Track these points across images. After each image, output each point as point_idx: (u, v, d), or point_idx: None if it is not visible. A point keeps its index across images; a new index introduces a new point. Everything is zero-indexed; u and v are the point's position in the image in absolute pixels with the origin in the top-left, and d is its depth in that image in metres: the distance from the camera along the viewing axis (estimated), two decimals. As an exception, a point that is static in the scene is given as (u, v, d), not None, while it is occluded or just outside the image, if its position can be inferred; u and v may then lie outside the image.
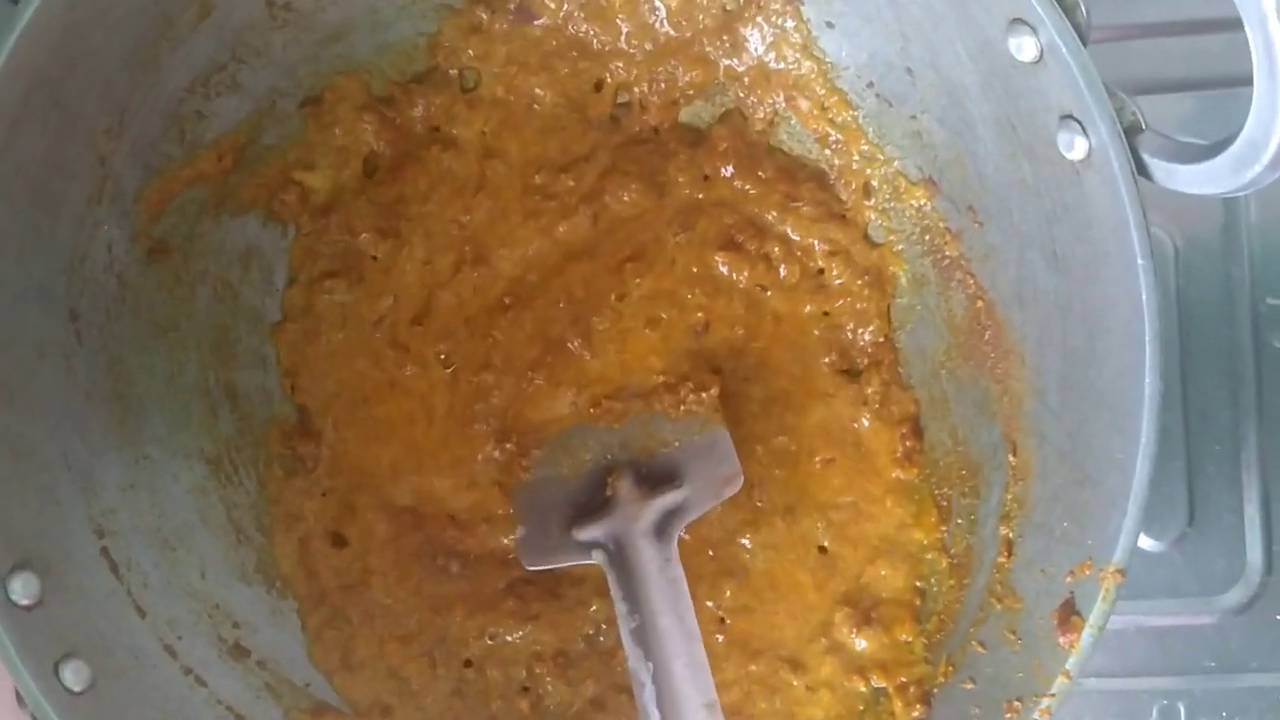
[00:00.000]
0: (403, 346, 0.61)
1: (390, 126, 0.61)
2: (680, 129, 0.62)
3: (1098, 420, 0.48)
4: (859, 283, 0.60)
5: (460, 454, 0.60)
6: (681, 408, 0.59)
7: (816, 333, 0.61)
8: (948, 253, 0.58)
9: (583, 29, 0.61)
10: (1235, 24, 0.39)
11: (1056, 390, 0.51)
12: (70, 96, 0.50)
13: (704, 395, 0.58)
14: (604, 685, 0.58)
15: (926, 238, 0.59)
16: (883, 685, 0.56)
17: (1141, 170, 0.45)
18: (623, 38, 0.61)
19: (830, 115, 0.60)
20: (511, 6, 0.61)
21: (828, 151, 0.61)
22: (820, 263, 0.61)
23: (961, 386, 0.58)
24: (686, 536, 0.57)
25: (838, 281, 0.60)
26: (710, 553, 0.59)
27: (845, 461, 0.59)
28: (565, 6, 0.60)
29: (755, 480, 0.58)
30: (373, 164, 0.62)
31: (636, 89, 0.62)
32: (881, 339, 0.60)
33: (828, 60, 0.59)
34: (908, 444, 0.59)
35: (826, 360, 0.60)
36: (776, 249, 0.60)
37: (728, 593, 0.58)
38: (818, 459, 0.59)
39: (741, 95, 0.61)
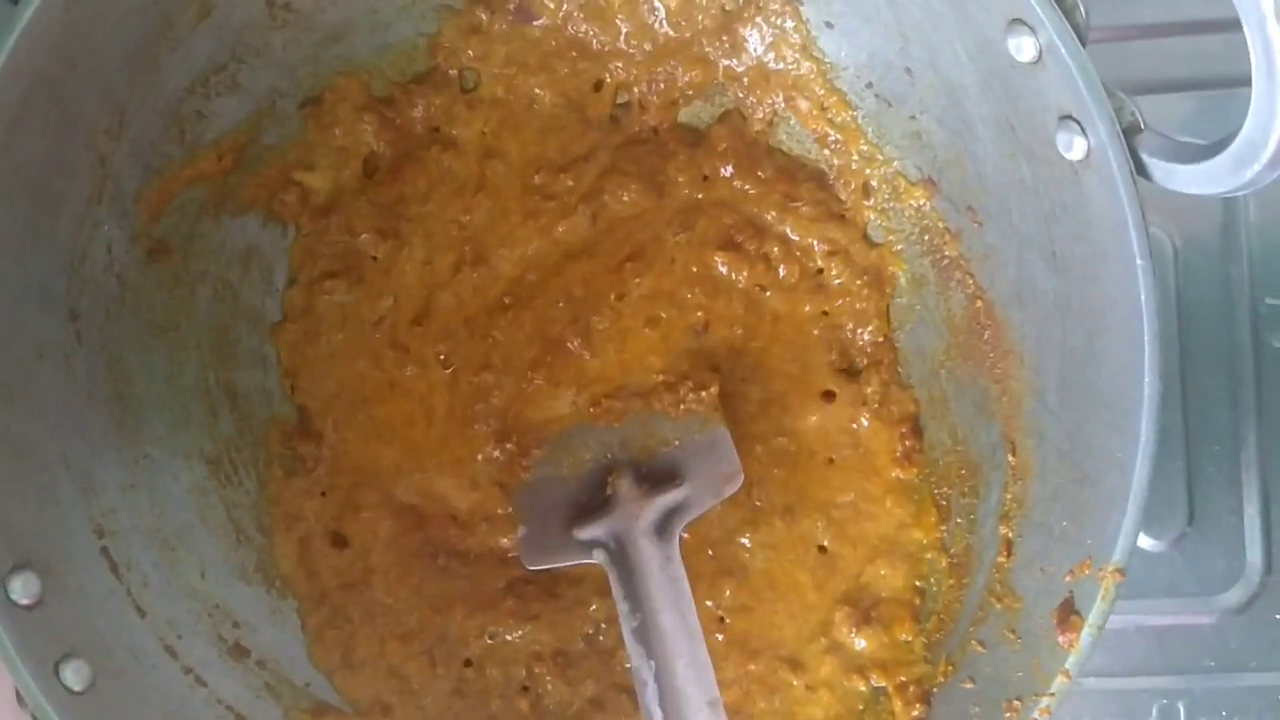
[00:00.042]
0: (403, 347, 0.61)
1: (390, 127, 0.61)
2: (679, 129, 0.62)
3: (1097, 420, 0.48)
4: (858, 282, 0.60)
5: (460, 454, 0.61)
6: (681, 406, 0.59)
7: (816, 332, 0.61)
8: (947, 252, 0.58)
9: (582, 29, 0.61)
10: (1234, 24, 0.39)
11: (1055, 390, 0.51)
12: (70, 96, 0.50)
13: (703, 394, 0.58)
14: (603, 685, 0.58)
15: (925, 238, 0.59)
16: (882, 685, 0.56)
17: (1140, 170, 0.45)
18: (622, 38, 0.61)
19: (829, 115, 0.60)
20: (511, 7, 0.61)
21: (827, 151, 0.61)
22: (819, 262, 0.61)
23: (961, 386, 0.58)
24: (686, 536, 0.57)
25: (837, 281, 0.61)
26: (709, 552, 0.59)
27: (845, 461, 0.59)
28: (565, 7, 0.60)
29: (754, 480, 0.58)
30: (373, 164, 0.62)
31: (636, 89, 0.62)
32: (881, 339, 0.60)
33: (827, 60, 0.59)
34: (907, 443, 0.59)
35: (826, 360, 0.60)
36: (776, 249, 0.60)
37: (727, 592, 0.58)
38: (817, 459, 0.59)
39: (741, 95, 0.61)
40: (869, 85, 0.58)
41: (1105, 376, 0.48)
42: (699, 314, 0.60)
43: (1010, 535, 0.54)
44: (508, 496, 0.60)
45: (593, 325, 0.60)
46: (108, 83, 0.51)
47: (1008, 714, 0.50)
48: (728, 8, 0.59)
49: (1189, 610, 0.64)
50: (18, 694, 0.48)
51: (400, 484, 0.61)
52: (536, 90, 0.62)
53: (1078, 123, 0.45)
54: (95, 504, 0.53)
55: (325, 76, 0.60)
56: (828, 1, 0.57)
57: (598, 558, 0.56)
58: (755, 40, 0.60)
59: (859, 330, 0.60)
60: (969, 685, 0.53)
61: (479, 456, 0.60)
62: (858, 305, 0.60)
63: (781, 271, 0.60)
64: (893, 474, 0.59)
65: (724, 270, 0.60)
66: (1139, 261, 0.44)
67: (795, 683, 0.57)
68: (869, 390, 0.60)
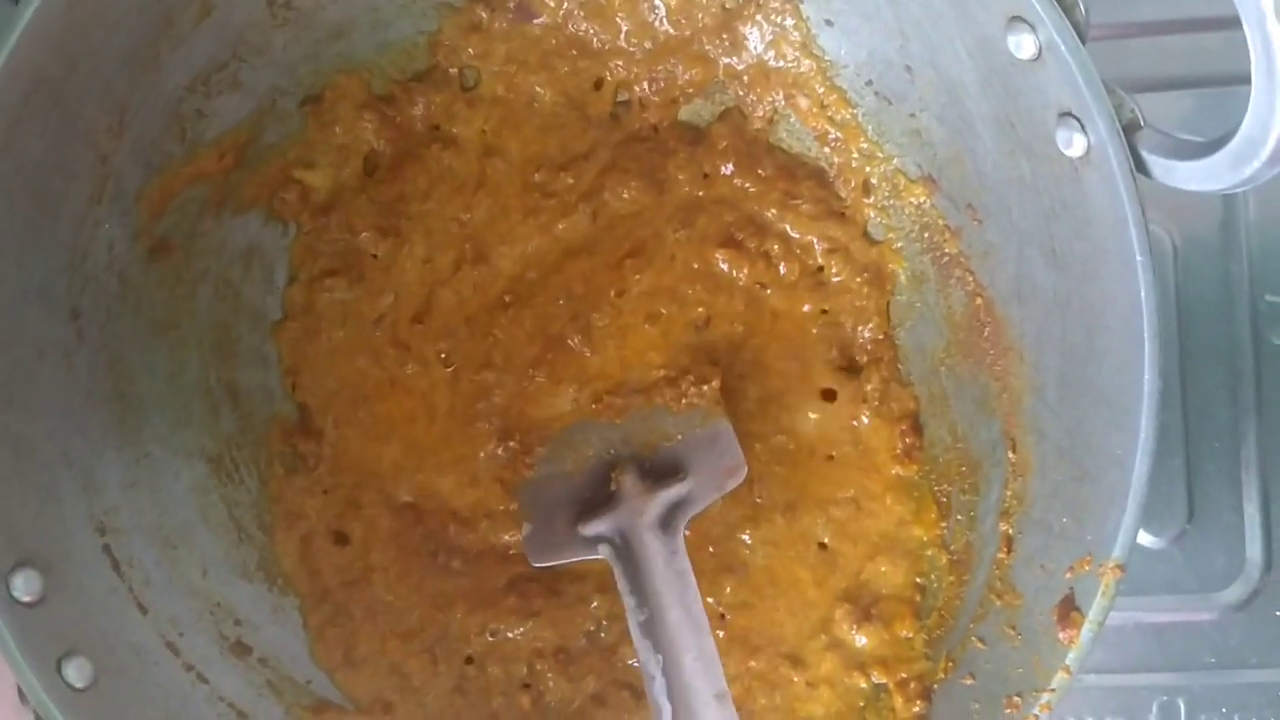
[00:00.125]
0: (403, 345, 0.61)
1: (390, 125, 0.61)
2: (680, 127, 0.62)
3: (1097, 417, 0.48)
4: (858, 280, 0.60)
5: (462, 452, 0.61)
6: (683, 401, 0.59)
7: (816, 330, 0.61)
8: (947, 250, 0.58)
9: (582, 27, 0.61)
10: (1233, 22, 0.39)
11: (1055, 387, 0.51)
12: (70, 96, 0.50)
13: (705, 388, 0.59)
14: (605, 681, 0.59)
15: (925, 235, 0.59)
16: (883, 681, 0.57)
17: (1140, 167, 0.45)
18: (622, 36, 0.61)
19: (829, 113, 0.60)
20: (511, 5, 0.61)
21: (827, 149, 0.61)
22: (819, 260, 0.61)
23: (961, 383, 0.58)
24: (688, 532, 0.57)
25: (837, 279, 0.61)
26: (710, 549, 0.59)
27: (845, 458, 0.60)
28: (565, 5, 0.61)
29: (755, 477, 0.58)
30: (373, 162, 0.62)
31: (636, 87, 0.62)
32: (881, 336, 0.60)
33: (827, 58, 0.59)
34: (907, 441, 0.59)
35: (826, 357, 0.60)
36: (776, 246, 0.60)
37: (728, 589, 0.58)
38: (817, 456, 0.60)
39: (741, 93, 0.61)
40: (869, 83, 0.58)
41: (1105, 373, 0.48)
42: (699, 310, 0.60)
43: (1010, 532, 0.54)
44: (508, 493, 0.60)
45: (593, 322, 0.60)
46: (108, 82, 0.51)
47: (1008, 710, 0.50)
48: (728, 6, 0.59)
49: (1189, 607, 0.65)
50: (20, 691, 0.48)
51: (401, 482, 0.61)
52: (537, 88, 0.62)
53: (1077, 120, 0.45)
54: (97, 502, 0.54)
55: (326, 75, 0.60)
56: (828, -1, 0.57)
57: (603, 553, 0.56)
58: (755, 38, 0.60)
59: (859, 328, 0.60)
60: (969, 682, 0.53)
61: (481, 454, 0.60)
62: (858, 303, 0.60)
63: (782, 269, 0.60)
64: (893, 471, 0.59)
65: (724, 267, 0.61)
66: (1139, 258, 0.44)
67: (796, 679, 0.57)
68: (869, 387, 0.60)
